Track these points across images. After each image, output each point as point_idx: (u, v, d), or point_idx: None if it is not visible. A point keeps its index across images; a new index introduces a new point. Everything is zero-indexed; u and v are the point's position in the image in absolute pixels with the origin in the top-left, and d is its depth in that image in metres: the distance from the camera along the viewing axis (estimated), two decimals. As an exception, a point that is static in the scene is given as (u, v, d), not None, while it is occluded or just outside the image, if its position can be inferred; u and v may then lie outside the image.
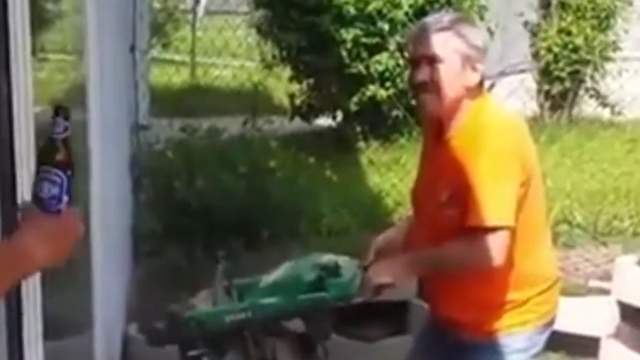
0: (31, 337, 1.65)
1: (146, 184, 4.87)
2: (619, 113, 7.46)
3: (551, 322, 2.41)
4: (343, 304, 2.53)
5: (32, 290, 1.65)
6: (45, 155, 1.24)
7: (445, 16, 2.37)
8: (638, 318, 3.50)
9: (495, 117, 2.29)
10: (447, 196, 2.24)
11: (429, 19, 2.34)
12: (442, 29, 2.25)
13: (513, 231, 2.20)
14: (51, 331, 1.83)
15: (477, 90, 2.28)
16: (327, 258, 2.63)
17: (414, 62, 2.28)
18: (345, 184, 5.93)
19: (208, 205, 4.75)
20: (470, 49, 2.24)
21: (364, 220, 5.38)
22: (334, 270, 2.50)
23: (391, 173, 6.27)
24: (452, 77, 2.23)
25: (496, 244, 2.18)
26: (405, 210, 5.74)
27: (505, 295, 2.31)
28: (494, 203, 2.18)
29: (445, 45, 2.23)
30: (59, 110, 1.25)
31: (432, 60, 2.23)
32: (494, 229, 2.17)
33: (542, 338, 2.39)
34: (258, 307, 2.52)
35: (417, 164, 2.54)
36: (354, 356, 3.45)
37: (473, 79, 2.25)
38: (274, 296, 2.52)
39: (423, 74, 2.24)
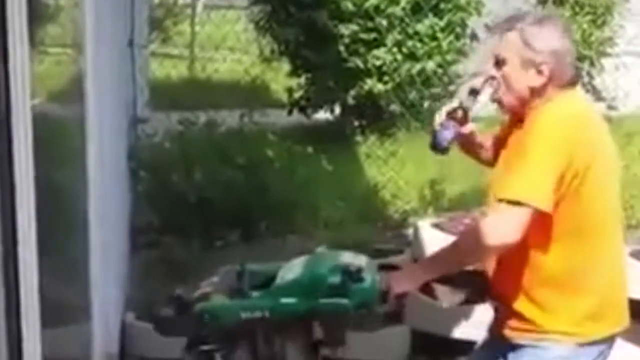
0: (29, 325, 1.66)
1: (144, 176, 4.91)
2: (614, 108, 7.49)
3: (602, 341, 2.35)
4: (364, 311, 2.40)
5: (29, 279, 1.67)
6: None
7: (525, 17, 2.36)
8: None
9: (557, 109, 2.28)
10: (502, 178, 2.30)
11: (510, 17, 2.38)
12: (510, 30, 2.30)
13: (545, 220, 2.19)
14: (49, 319, 1.85)
15: (547, 89, 2.30)
16: (348, 258, 2.50)
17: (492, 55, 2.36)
18: (343, 177, 5.97)
19: (205, 197, 4.80)
20: (532, 52, 2.27)
21: (360, 213, 5.43)
22: (356, 275, 2.38)
23: (388, 166, 6.31)
24: (514, 78, 2.30)
25: (510, 218, 2.17)
26: (402, 203, 5.81)
27: (554, 292, 2.29)
28: (520, 180, 2.20)
29: (508, 48, 2.30)
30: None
31: (497, 60, 2.32)
32: (512, 203, 2.17)
33: (592, 352, 2.33)
34: (277, 306, 2.40)
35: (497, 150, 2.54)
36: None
37: (538, 80, 2.29)
38: (293, 296, 2.39)
39: (492, 70, 2.33)
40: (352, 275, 2.37)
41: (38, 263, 1.69)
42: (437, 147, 2.52)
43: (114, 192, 3.70)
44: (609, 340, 2.38)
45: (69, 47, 2.59)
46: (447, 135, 2.47)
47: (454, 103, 2.52)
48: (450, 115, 2.48)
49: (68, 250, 2.52)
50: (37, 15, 1.86)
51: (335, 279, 2.37)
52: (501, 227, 2.21)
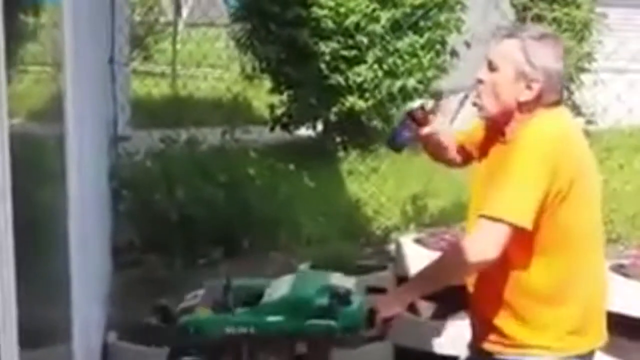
0: (7, 345, 1.65)
1: (125, 195, 4.89)
2: (593, 122, 7.57)
3: (583, 355, 2.34)
4: (350, 334, 2.41)
5: (7, 300, 1.65)
6: None
7: (529, 29, 2.37)
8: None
9: (541, 126, 2.27)
10: (484, 194, 2.29)
11: (514, 26, 2.38)
12: (510, 37, 2.29)
13: (526, 236, 2.19)
14: (28, 340, 1.84)
15: (531, 106, 2.28)
16: (337, 280, 2.50)
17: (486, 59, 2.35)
18: (325, 193, 5.97)
19: (187, 215, 4.78)
20: (528, 66, 2.25)
21: (343, 230, 5.43)
22: (344, 298, 2.39)
23: (370, 182, 6.33)
24: (503, 87, 2.28)
25: (489, 235, 2.18)
26: (384, 219, 5.81)
27: (537, 307, 2.29)
28: (502, 197, 2.19)
29: (504, 55, 2.28)
30: None
31: (490, 65, 2.31)
32: (492, 219, 2.17)
33: None
34: (262, 324, 2.40)
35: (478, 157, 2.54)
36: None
37: (526, 95, 2.27)
38: (280, 315, 2.40)
39: (481, 74, 2.32)
40: (340, 297, 2.38)
41: (16, 283, 1.68)
42: (391, 144, 2.56)
43: (95, 211, 3.68)
44: (590, 355, 2.39)
45: (48, 66, 2.59)
46: (404, 134, 2.50)
47: (416, 103, 2.51)
48: (410, 114, 2.49)
49: (48, 270, 2.50)
50: (15, 34, 1.86)
51: (323, 300, 2.37)
52: (481, 244, 2.21)
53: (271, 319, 2.40)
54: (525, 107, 2.29)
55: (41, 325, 2.32)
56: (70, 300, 2.82)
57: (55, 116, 2.53)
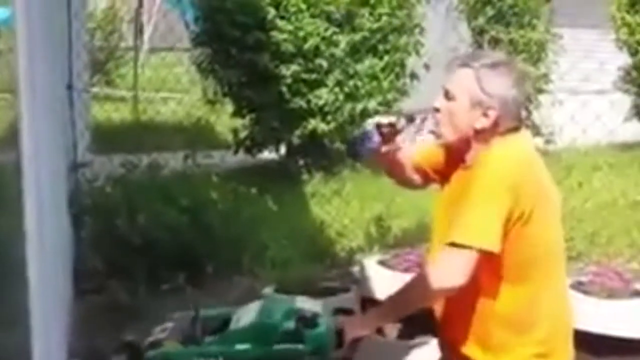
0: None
1: (87, 221, 4.84)
2: (552, 142, 7.69)
3: None
4: (318, 357, 2.39)
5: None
6: None
7: (483, 57, 2.35)
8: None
9: (503, 152, 2.28)
10: (448, 220, 2.29)
11: (468, 53, 2.37)
12: (464, 67, 2.31)
13: (492, 260, 2.19)
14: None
15: (488, 134, 2.30)
16: (303, 303, 2.52)
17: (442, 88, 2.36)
18: (288, 216, 5.97)
19: (150, 240, 4.75)
20: (483, 95, 2.27)
21: (307, 252, 5.43)
22: (311, 321, 2.40)
23: (333, 205, 6.35)
24: (459, 115, 2.30)
25: (456, 262, 2.19)
26: (348, 241, 5.83)
27: (504, 333, 2.30)
28: (466, 223, 2.20)
29: (459, 84, 2.30)
30: None
31: (446, 94, 2.33)
32: (457, 246, 2.18)
33: None
34: (231, 353, 2.39)
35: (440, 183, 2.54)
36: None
37: (482, 122, 2.29)
38: (247, 342, 2.39)
39: (438, 102, 2.34)
40: (306, 320, 2.39)
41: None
42: (353, 153, 2.54)
43: (55, 238, 3.64)
44: None
45: (2, 92, 2.56)
46: (368, 145, 2.47)
47: (386, 119, 2.50)
48: (379, 128, 2.48)
49: (6, 300, 2.46)
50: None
51: (290, 324, 2.38)
52: (448, 271, 2.22)
53: (239, 347, 2.39)
54: (481, 135, 2.31)
55: (-1, 355, 2.28)
56: (29, 329, 2.77)
57: (10, 143, 2.51)
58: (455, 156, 2.42)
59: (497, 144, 2.30)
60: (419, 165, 2.61)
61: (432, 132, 2.41)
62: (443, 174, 2.50)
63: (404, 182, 2.68)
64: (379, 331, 3.85)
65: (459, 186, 2.36)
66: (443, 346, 2.50)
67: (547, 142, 7.79)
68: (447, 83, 2.34)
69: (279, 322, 2.40)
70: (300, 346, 2.37)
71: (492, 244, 2.19)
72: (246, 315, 2.48)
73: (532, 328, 2.32)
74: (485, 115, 2.29)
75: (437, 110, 2.35)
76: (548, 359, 2.34)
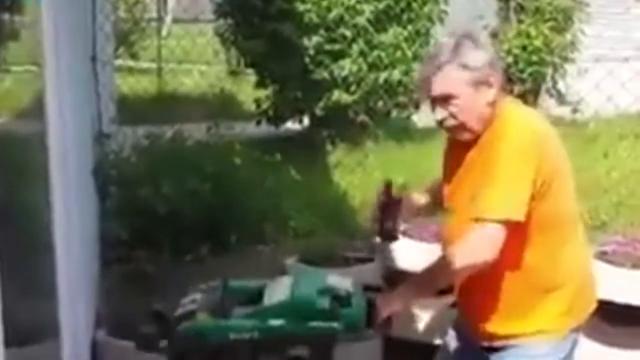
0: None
1: (112, 191, 4.88)
2: (579, 111, 7.62)
3: (575, 330, 2.44)
4: (352, 336, 2.44)
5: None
6: None
7: (443, 47, 2.36)
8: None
9: (521, 122, 2.32)
10: (470, 195, 2.31)
11: (431, 58, 2.36)
12: (444, 64, 2.31)
13: (516, 227, 2.22)
14: (14, 339, 1.84)
15: (499, 97, 2.35)
16: (335, 281, 2.54)
17: (432, 102, 2.36)
18: (312, 186, 5.99)
19: (174, 210, 4.78)
20: (477, 72, 2.30)
21: (330, 222, 5.44)
22: (345, 299, 2.44)
23: (356, 175, 6.35)
24: (470, 106, 2.32)
25: (486, 237, 2.22)
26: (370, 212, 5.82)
27: (529, 295, 2.35)
28: (493, 197, 2.23)
29: (449, 82, 2.31)
30: None
31: (447, 98, 2.33)
32: (486, 221, 2.21)
33: (568, 344, 2.43)
34: (266, 329, 2.42)
35: (443, 164, 2.57)
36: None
37: (491, 93, 2.33)
38: (282, 318, 2.42)
39: (441, 113, 2.35)
40: (341, 299, 2.42)
41: (1, 282, 1.69)
42: (387, 238, 2.65)
43: (80, 209, 3.68)
44: (579, 328, 2.47)
45: (28, 64, 2.59)
46: (390, 226, 2.58)
47: (375, 204, 2.61)
48: (381, 207, 2.58)
49: (33, 270, 2.51)
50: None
51: (325, 302, 2.41)
52: (479, 246, 2.24)
53: (273, 322, 2.42)
54: (495, 102, 2.35)
55: (27, 324, 2.32)
56: (57, 298, 2.82)
57: (36, 114, 2.54)
58: (466, 142, 2.42)
59: (506, 111, 2.35)
60: (434, 196, 2.67)
61: (458, 139, 2.40)
62: (452, 166, 2.52)
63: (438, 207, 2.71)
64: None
65: (477, 162, 2.36)
66: (467, 314, 2.52)
67: (574, 111, 7.72)
68: (438, 91, 2.33)
69: (313, 300, 2.43)
70: (335, 324, 2.40)
71: (519, 214, 2.23)
72: (278, 291, 2.51)
73: (555, 288, 2.38)
74: (489, 85, 2.33)
75: (448, 119, 2.35)
76: (571, 315, 2.41)
